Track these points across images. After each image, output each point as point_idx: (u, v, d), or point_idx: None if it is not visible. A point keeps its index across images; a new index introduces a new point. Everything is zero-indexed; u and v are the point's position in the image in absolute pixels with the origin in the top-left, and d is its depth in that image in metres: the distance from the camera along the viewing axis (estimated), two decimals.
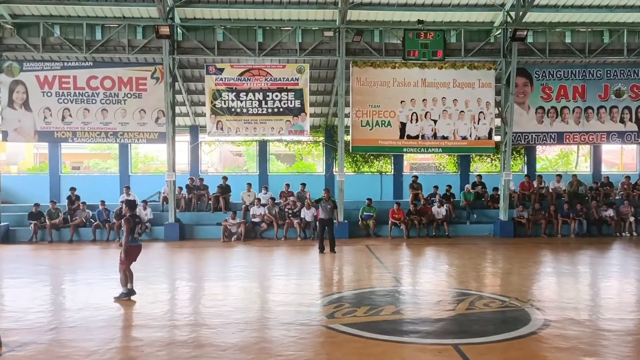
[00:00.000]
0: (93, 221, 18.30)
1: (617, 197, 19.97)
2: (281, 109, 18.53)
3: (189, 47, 18.12)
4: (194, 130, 21.76)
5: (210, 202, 19.33)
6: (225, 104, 18.44)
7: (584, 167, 23.88)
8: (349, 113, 18.58)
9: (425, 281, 12.16)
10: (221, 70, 18.41)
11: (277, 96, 18.48)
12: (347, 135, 19.06)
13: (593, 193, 19.88)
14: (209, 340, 7.63)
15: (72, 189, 19.22)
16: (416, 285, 11.73)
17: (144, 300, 9.90)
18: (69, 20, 18.66)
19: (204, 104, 19.65)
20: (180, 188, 19.41)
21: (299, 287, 11.46)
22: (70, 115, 18.72)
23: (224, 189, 19.53)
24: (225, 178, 19.90)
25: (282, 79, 18.46)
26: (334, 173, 20.39)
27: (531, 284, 11.75)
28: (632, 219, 18.61)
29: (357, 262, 14.37)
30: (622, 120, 19.13)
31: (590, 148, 22.90)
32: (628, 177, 20.80)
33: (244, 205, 18.90)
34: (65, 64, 18.64)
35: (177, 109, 20.05)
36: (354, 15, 18.51)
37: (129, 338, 7.84)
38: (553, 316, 8.71)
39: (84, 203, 18.72)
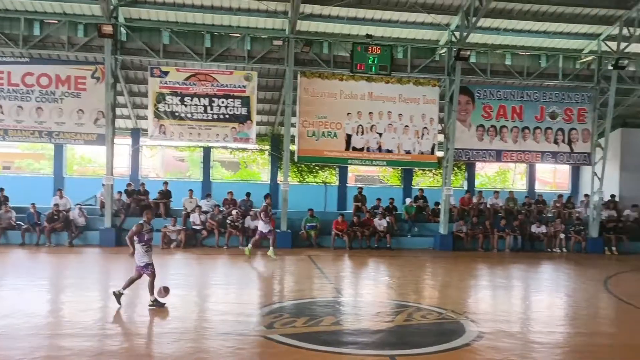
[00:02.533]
0: (22, 224, 17.44)
1: (549, 215, 20.77)
2: (227, 116, 18.31)
3: (133, 47, 17.67)
4: (135, 134, 21.19)
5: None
6: (169, 107, 18.05)
7: (520, 185, 24.76)
8: (296, 123, 18.58)
9: (366, 292, 12.23)
10: (166, 73, 18.04)
11: (223, 102, 18.25)
12: (293, 144, 19.04)
13: (526, 210, 20.62)
14: (141, 350, 7.38)
15: (1, 190, 18.29)
16: (357, 297, 11.77)
17: (74, 308, 9.49)
18: (5, 14, 17.84)
19: (146, 107, 19.17)
20: (120, 193, 18.80)
21: (239, 297, 11.29)
22: (2, 113, 17.84)
23: (165, 195, 19.09)
24: (166, 183, 19.45)
25: (229, 86, 18.26)
26: (279, 182, 20.29)
27: (467, 296, 12.02)
28: (562, 235, 19.39)
29: (299, 272, 14.31)
30: (555, 141, 19.95)
31: (526, 166, 23.78)
32: (560, 196, 21.70)
33: (184, 212, 18.51)
34: (0, 58, 17.81)
35: (118, 111, 19.48)
36: (303, 25, 18.57)
37: (56, 347, 7.46)
38: (487, 328, 8.92)
39: (6, 205, 17.69)
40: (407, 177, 22.72)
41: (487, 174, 25.47)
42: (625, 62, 18.62)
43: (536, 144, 19.91)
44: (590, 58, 20.01)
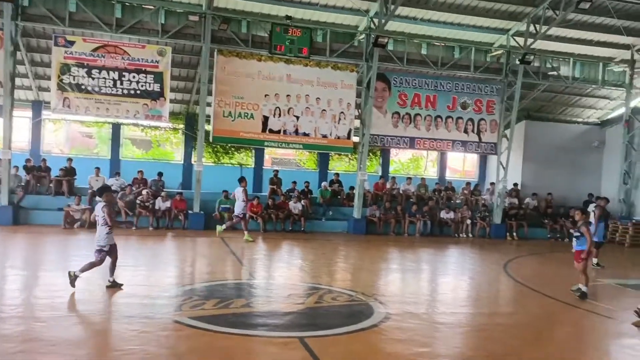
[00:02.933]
0: None
1: (457, 201, 21.64)
2: (138, 91, 17.52)
3: (36, 14, 16.45)
4: (37, 106, 19.84)
5: (51, 185, 17.74)
6: (74, 79, 17.01)
7: (431, 172, 25.59)
8: (212, 102, 18.11)
9: (278, 275, 12.18)
10: (72, 43, 16.95)
11: (134, 77, 17.43)
12: (208, 124, 18.57)
13: (436, 196, 21.36)
14: (38, 334, 6.91)
15: None
16: (269, 279, 11.70)
17: None
18: None
19: (49, 78, 17.95)
20: (17, 167, 17.57)
21: (147, 279, 10.89)
22: None
23: (68, 172, 18.05)
24: (70, 160, 18.40)
25: (141, 60, 17.46)
26: (192, 162, 19.76)
27: (377, 279, 12.28)
28: (469, 221, 20.27)
29: (211, 255, 14.04)
30: (465, 131, 20.75)
31: (437, 154, 24.60)
32: (468, 184, 22.66)
33: (90, 191, 17.60)
34: None
35: (18, 81, 18.19)
36: (221, 2, 18.06)
37: None
38: (394, 310, 9.13)
39: None
40: (323, 161, 22.85)
41: (401, 160, 26.11)
42: (531, 57, 19.61)
43: (448, 132, 20.59)
44: (499, 52, 20.90)
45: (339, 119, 19.07)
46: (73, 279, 9.21)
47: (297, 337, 7.41)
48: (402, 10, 18.71)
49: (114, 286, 9.53)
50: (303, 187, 19.96)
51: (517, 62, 19.80)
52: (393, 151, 24.19)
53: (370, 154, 22.66)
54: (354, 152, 20.91)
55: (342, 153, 21.94)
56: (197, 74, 19.21)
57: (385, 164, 23.81)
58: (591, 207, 19.29)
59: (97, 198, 9.69)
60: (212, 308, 8.55)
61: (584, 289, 10.84)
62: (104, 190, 9.76)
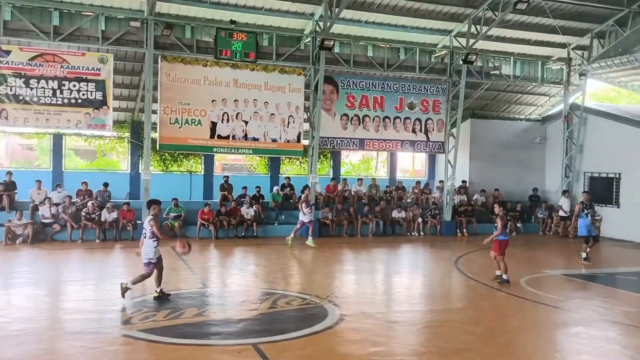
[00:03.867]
0: None
1: (408, 200, 21.93)
2: (79, 100, 16.97)
3: None
4: None
5: None
6: (11, 90, 16.31)
7: (382, 172, 25.86)
8: (157, 109, 17.73)
9: (231, 282, 12.04)
10: (8, 52, 16.27)
11: (75, 86, 16.87)
12: (155, 132, 18.18)
13: (388, 196, 21.60)
14: None
15: None
16: (222, 287, 11.54)
17: None
18: None
19: None
20: None
21: (94, 293, 10.57)
22: None
23: (9, 186, 17.32)
24: (9, 173, 17.63)
25: (81, 68, 16.91)
26: (140, 171, 19.30)
27: (332, 281, 12.30)
28: (420, 220, 20.57)
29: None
30: (413, 131, 21.05)
31: (387, 155, 24.88)
32: (418, 183, 23.01)
33: (32, 205, 16.93)
34: None
35: None
36: (163, 7, 17.73)
37: None
38: (348, 311, 9.16)
39: None
40: (274, 165, 22.75)
41: (351, 162, 26.30)
42: (474, 57, 20.09)
43: (396, 133, 20.84)
44: (443, 53, 21.33)
45: (288, 122, 19.02)
46: (124, 290, 9.51)
47: (251, 343, 7.34)
48: (347, 13, 18.84)
49: (162, 297, 9.65)
50: (254, 192, 19.80)
51: (461, 62, 20.24)
52: (343, 153, 24.31)
53: (321, 157, 22.71)
54: (304, 156, 20.90)
55: (293, 157, 21.90)
56: (141, 81, 18.79)
57: (336, 166, 23.91)
58: (561, 201, 19.96)
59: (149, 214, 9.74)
60: (163, 319, 8.37)
61: (504, 277, 11.56)
62: (152, 203, 9.78)
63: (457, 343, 7.76)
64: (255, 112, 18.61)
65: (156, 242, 9.54)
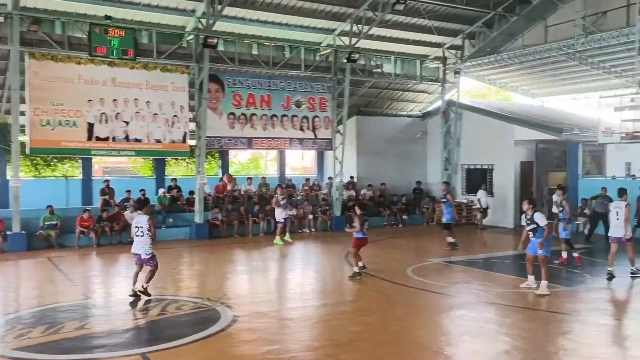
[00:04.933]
0: None
1: (298, 198, 22.07)
2: None
3: None
4: None
5: None
6: None
7: (272, 171, 25.83)
8: (26, 111, 16.36)
9: (116, 291, 11.39)
10: None
11: None
12: (24, 135, 16.77)
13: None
14: None
15: None
16: (106, 297, 10.91)
17: None
18: None
19: None
20: None
21: None
22: None
23: None
24: None
25: None
26: (8, 178, 17.74)
27: (224, 282, 12.08)
28: (311, 216, 20.78)
29: (37, 278, 12.73)
30: (301, 128, 21.21)
31: (276, 153, 24.87)
32: (308, 180, 23.24)
33: None
34: None
35: None
36: (29, 1, 16.39)
37: None
38: (242, 311, 9.02)
39: None
40: (159, 167, 21.90)
41: (240, 161, 26.03)
42: (357, 56, 20.60)
43: (284, 131, 20.87)
44: (327, 51, 21.66)
45: (173, 122, 18.35)
46: (145, 291, 10.03)
47: (139, 354, 6.99)
48: (230, 11, 18.53)
49: (143, 295, 10.04)
50: (139, 196, 18.95)
51: (344, 61, 20.67)
52: (232, 152, 23.98)
53: (209, 157, 22.21)
54: (191, 156, 20.30)
55: (179, 157, 21.22)
56: (7, 80, 17.26)
57: (224, 166, 23.50)
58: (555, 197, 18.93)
59: (138, 212, 10.94)
60: (40, 335, 7.76)
61: (355, 269, 11.94)
62: (145, 203, 10.96)
63: (350, 334, 7.89)
64: (137, 112, 17.77)
65: (152, 239, 10.17)
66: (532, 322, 8.55)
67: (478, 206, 21.58)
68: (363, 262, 12.00)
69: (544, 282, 10.15)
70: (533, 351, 7.27)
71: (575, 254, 13.08)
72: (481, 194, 21.27)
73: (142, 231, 10.04)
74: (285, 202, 17.83)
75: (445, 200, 16.24)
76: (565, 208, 13.06)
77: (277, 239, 17.25)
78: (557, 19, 20.86)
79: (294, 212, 18.21)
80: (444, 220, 16.32)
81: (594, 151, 21.00)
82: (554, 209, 14.31)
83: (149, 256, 10.11)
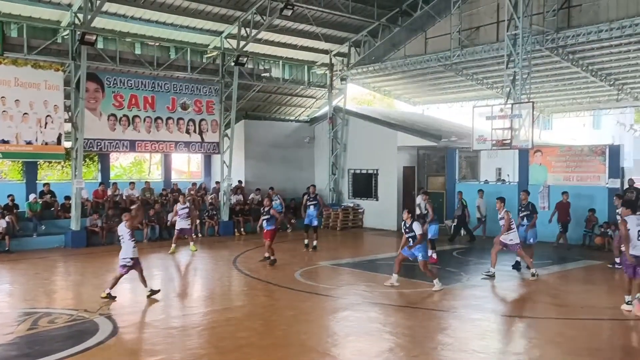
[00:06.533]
0: None
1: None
2: None
3: None
4: None
5: None
6: None
7: (157, 175, 24.89)
8: None
9: None
10: None
11: None
12: None
13: (163, 199, 20.88)
14: None
15: None
16: None
17: None
18: None
19: None
20: None
21: None
22: None
23: None
24: None
25: None
26: None
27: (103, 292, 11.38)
28: (198, 221, 20.25)
29: None
30: (187, 132, 20.65)
31: (161, 156, 24.02)
32: (194, 184, 22.68)
33: None
34: None
35: None
36: None
37: None
38: (124, 322, 8.60)
39: None
40: (30, 170, 20.23)
41: (122, 164, 24.84)
42: (245, 59, 20.45)
43: (169, 134, 20.21)
44: (215, 53, 21.32)
45: (46, 123, 17.07)
46: (155, 292, 10.60)
47: None
48: (111, 7, 17.65)
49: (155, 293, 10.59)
50: (7, 202, 17.43)
51: (232, 64, 20.45)
52: (113, 155, 22.81)
53: (87, 160, 20.96)
54: (67, 159, 19.03)
55: (53, 160, 19.83)
56: None
57: (104, 170, 22.23)
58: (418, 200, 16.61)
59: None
60: None
61: (272, 257, 13.66)
62: (126, 210, 11.28)
63: (237, 340, 7.78)
64: (4, 111, 16.35)
65: (134, 243, 10.50)
66: (413, 320, 8.95)
67: (418, 212, 21.53)
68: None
69: (435, 280, 10.96)
70: (414, 348, 7.60)
71: (433, 254, 13.95)
72: (480, 201, 19.27)
73: (122, 238, 10.67)
74: (186, 211, 16.88)
75: (312, 203, 16.82)
76: (429, 211, 14.20)
77: (191, 245, 16.94)
78: (435, 32, 22.16)
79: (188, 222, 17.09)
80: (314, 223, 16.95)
81: (469, 157, 22.51)
82: (417, 211, 15.27)
83: (122, 262, 10.50)
